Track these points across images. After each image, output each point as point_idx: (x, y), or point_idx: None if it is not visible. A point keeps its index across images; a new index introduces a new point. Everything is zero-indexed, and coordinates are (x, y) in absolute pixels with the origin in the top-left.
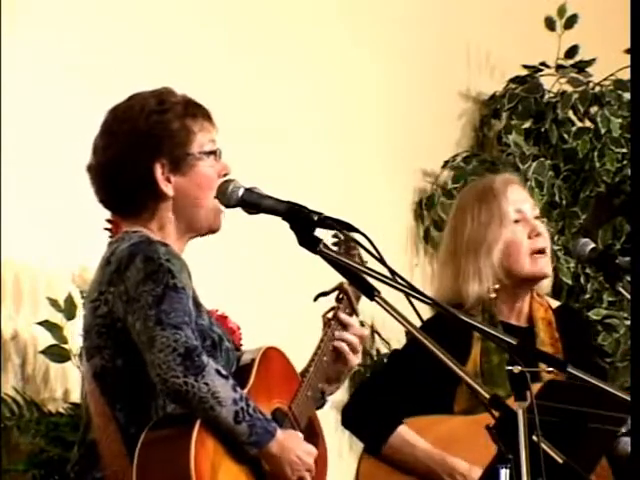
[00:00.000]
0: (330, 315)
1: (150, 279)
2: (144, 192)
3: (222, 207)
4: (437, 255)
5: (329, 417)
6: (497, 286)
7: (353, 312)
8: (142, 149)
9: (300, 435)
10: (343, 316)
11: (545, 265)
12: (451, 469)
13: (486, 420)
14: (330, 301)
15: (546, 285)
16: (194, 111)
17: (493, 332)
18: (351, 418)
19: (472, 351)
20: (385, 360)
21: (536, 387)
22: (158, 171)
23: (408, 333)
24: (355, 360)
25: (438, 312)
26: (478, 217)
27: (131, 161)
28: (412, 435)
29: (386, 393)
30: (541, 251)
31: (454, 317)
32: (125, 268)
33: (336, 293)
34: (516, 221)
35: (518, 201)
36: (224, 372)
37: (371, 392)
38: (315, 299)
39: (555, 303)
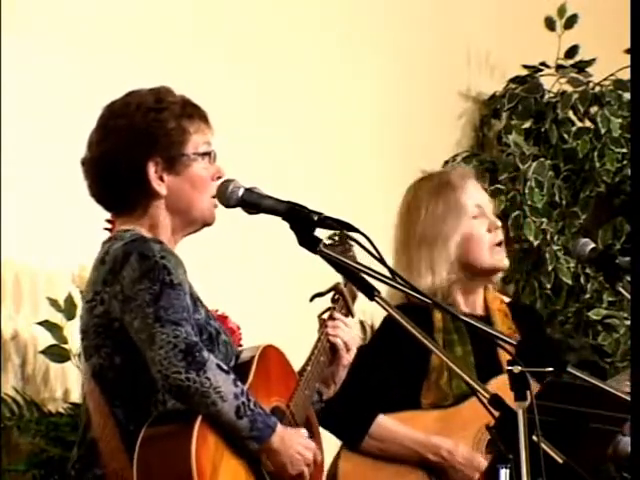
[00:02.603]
0: (326, 316)
1: (146, 277)
2: (136, 189)
3: (217, 203)
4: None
5: None
6: (453, 276)
7: (349, 312)
8: (137, 145)
9: (302, 431)
10: (338, 316)
11: (503, 257)
12: (436, 447)
13: (456, 413)
14: (327, 301)
15: (497, 275)
16: (191, 112)
17: (494, 332)
18: (327, 416)
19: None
20: None
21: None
22: (151, 169)
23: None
24: (348, 358)
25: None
26: (433, 210)
27: (125, 157)
28: (392, 422)
29: (358, 388)
30: (499, 244)
31: (452, 315)
32: (120, 267)
33: (332, 294)
34: (474, 216)
35: (477, 196)
36: (225, 367)
37: (343, 389)
38: (311, 300)
39: (506, 298)
